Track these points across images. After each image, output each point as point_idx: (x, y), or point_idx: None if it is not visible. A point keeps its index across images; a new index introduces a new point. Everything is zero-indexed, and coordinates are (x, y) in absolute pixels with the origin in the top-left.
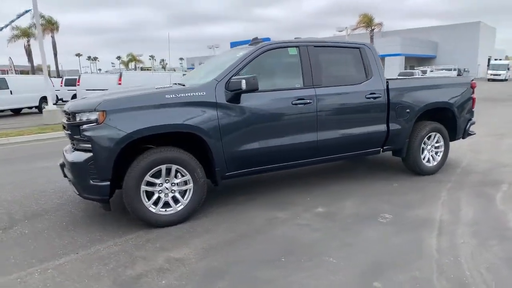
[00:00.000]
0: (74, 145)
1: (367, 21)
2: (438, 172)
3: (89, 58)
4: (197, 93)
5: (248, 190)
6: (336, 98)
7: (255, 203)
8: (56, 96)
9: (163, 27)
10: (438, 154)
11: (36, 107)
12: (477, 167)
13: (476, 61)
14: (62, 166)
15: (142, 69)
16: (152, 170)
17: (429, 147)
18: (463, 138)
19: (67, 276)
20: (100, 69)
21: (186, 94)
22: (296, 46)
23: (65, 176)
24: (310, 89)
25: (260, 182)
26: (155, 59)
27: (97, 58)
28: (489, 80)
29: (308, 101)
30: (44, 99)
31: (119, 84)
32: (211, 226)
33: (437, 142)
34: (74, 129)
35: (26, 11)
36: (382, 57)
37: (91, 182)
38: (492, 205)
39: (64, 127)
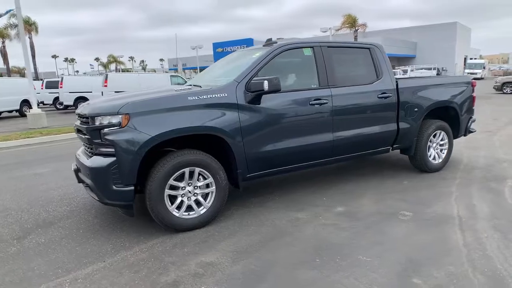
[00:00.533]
0: (92, 149)
1: (351, 22)
2: (443, 169)
3: (66, 59)
4: (218, 95)
5: (261, 192)
6: (350, 98)
7: (272, 204)
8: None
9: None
10: (443, 152)
11: (16, 110)
12: (477, 163)
13: (453, 60)
14: (77, 171)
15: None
16: (176, 174)
17: (434, 144)
18: (465, 135)
19: (100, 285)
20: (77, 71)
21: (208, 96)
22: (310, 47)
23: (80, 181)
24: (326, 89)
25: (272, 184)
26: (134, 60)
27: (74, 59)
28: None
29: (325, 101)
30: (25, 102)
31: (105, 86)
32: (235, 228)
33: (441, 140)
34: (93, 133)
35: (8, 11)
36: None
37: (114, 187)
38: (503, 200)
39: (78, 131)
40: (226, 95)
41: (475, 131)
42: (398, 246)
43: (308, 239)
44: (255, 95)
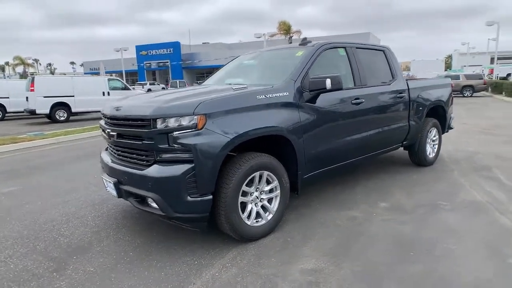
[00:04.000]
0: (147, 156)
1: (286, 29)
2: (435, 163)
3: None
4: (282, 94)
5: (293, 195)
6: (379, 97)
7: (316, 205)
8: None
9: (40, 27)
10: (435, 147)
11: None
12: (457, 156)
13: None
14: (118, 184)
15: (32, 74)
16: (248, 178)
17: (429, 140)
18: (447, 131)
19: None
20: None
21: (274, 95)
22: (343, 47)
23: (120, 196)
24: (361, 89)
25: None
26: (40, 63)
27: None
28: None
29: (362, 100)
30: None
31: (31, 91)
32: (302, 232)
33: (434, 136)
34: (159, 137)
35: None
36: None
37: (188, 198)
38: (505, 184)
39: (119, 136)
40: (287, 94)
41: (453, 128)
42: (467, 232)
43: (383, 235)
44: (315, 94)
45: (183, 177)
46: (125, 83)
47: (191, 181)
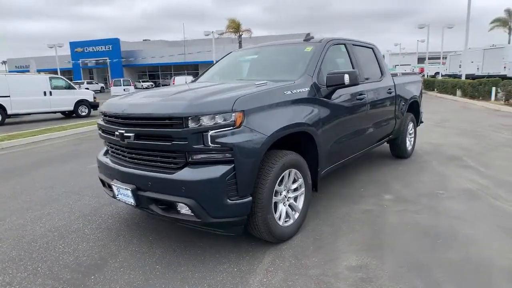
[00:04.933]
0: (175, 158)
1: (235, 27)
2: (412, 155)
3: None
4: (304, 89)
5: None
6: (375, 93)
7: (326, 201)
8: None
9: None
10: (411, 140)
11: None
12: (425, 148)
13: None
14: (137, 190)
15: None
16: (280, 178)
17: (407, 133)
18: (418, 125)
19: None
20: None
21: (298, 90)
22: (344, 44)
23: (138, 204)
24: (363, 85)
25: None
26: None
27: None
28: None
29: (364, 95)
30: None
31: None
32: (328, 229)
33: (411, 129)
34: (194, 136)
35: None
36: None
37: (228, 201)
38: (482, 172)
39: (138, 137)
40: (308, 89)
41: (423, 122)
42: (475, 218)
43: (404, 225)
44: (332, 89)
45: (223, 179)
46: (70, 82)
47: (231, 183)
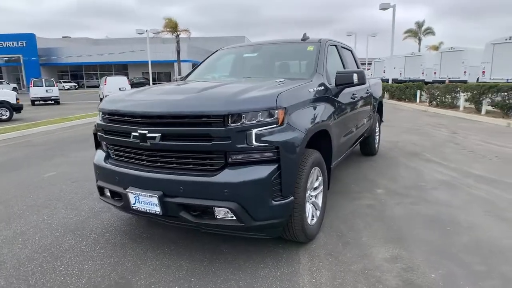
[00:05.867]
0: (212, 159)
1: (173, 26)
2: (378, 152)
3: None
4: (320, 88)
5: None
6: (361, 93)
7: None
8: None
9: None
10: (377, 138)
11: None
12: (387, 145)
13: None
14: (163, 197)
15: None
16: (309, 176)
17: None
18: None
19: None
20: None
21: (317, 89)
22: (335, 45)
23: (165, 212)
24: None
25: None
26: None
27: None
28: None
29: (356, 95)
30: None
31: None
32: (345, 225)
33: (377, 128)
34: (238, 135)
35: None
36: (171, 62)
37: (273, 202)
38: (445, 165)
39: (164, 138)
40: (323, 88)
41: (383, 121)
42: (464, 205)
43: (410, 216)
44: (341, 88)
45: (269, 179)
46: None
47: (276, 183)
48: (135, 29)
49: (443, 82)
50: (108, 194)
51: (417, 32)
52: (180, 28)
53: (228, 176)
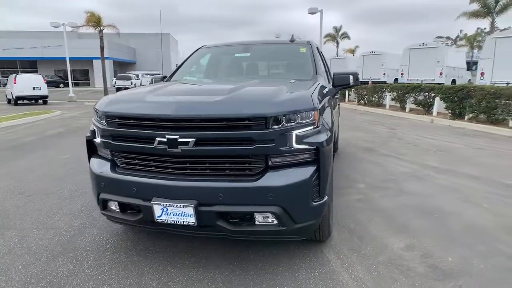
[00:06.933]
0: (250, 163)
1: (96, 21)
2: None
3: None
4: (327, 89)
5: None
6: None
7: None
8: None
9: None
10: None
11: None
12: (340, 143)
13: (170, 67)
14: (198, 206)
15: None
16: None
17: None
18: None
19: None
20: None
21: (327, 90)
22: (317, 46)
23: (200, 223)
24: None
25: None
26: None
27: None
28: None
29: (337, 95)
30: None
31: None
32: (349, 220)
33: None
34: (281, 138)
35: None
36: (90, 60)
37: (313, 203)
38: (401, 158)
39: (198, 143)
40: (328, 89)
41: None
42: (438, 194)
43: (399, 207)
44: (338, 89)
45: (311, 180)
46: None
47: (315, 184)
48: (49, 22)
49: (366, 83)
50: (115, 208)
51: (335, 36)
52: (104, 23)
53: (271, 180)
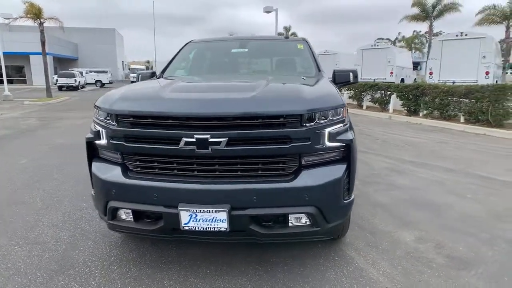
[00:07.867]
0: (284, 163)
1: (36, 13)
2: None
3: None
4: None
5: None
6: None
7: None
8: None
9: None
10: None
11: None
12: None
13: (116, 64)
14: (230, 211)
15: None
16: None
17: None
18: None
19: None
20: None
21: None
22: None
23: (233, 228)
24: None
25: None
26: None
27: None
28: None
29: None
30: None
31: None
32: (355, 216)
33: None
34: (315, 135)
35: None
36: (26, 55)
37: (343, 201)
38: (381, 155)
39: (231, 143)
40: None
41: None
42: (425, 187)
43: (398, 203)
44: (340, 86)
45: (343, 178)
46: None
47: (346, 182)
48: None
49: None
50: (127, 217)
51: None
52: (45, 15)
53: (306, 179)
